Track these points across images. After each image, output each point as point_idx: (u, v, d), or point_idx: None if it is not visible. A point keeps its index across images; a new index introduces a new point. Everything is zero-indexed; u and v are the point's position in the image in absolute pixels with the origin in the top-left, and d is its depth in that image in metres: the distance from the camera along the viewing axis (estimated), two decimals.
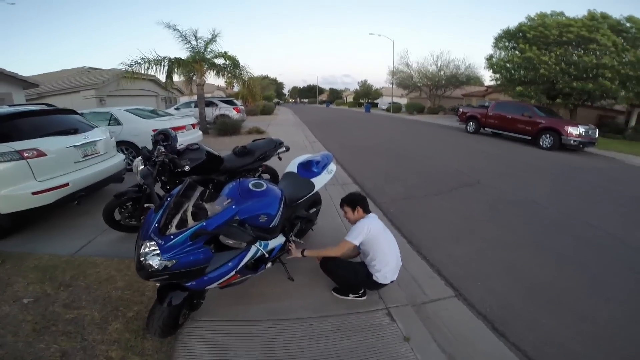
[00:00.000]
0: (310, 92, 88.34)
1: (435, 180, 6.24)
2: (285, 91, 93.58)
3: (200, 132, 8.38)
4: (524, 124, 12.48)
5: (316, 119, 20.68)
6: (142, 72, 10.77)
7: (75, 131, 4.03)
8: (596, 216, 4.73)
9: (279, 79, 79.14)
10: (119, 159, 4.69)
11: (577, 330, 2.41)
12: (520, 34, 17.23)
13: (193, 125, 7.76)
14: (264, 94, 29.80)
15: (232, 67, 12.07)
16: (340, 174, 6.21)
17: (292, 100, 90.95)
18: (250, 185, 2.19)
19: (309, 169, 2.96)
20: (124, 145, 6.18)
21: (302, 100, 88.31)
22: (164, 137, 3.49)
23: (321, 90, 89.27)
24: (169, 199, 1.96)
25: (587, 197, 5.82)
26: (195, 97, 13.21)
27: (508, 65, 17.28)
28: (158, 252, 1.70)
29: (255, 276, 2.33)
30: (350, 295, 2.50)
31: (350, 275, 2.46)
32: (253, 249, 2.07)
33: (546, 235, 4.03)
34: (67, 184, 3.53)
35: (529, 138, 12.20)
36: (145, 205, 3.35)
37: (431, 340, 2.18)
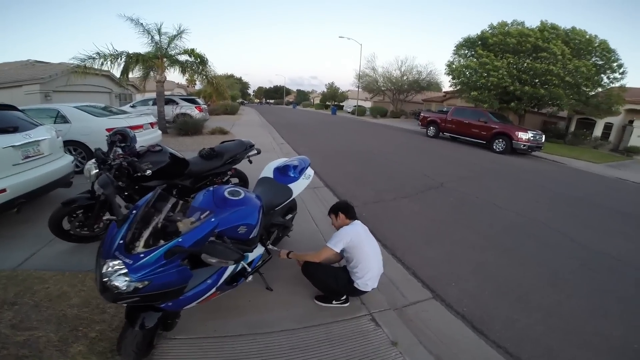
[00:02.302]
0: (276, 93, 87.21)
1: (403, 184, 6.38)
2: (251, 91, 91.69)
3: (160, 132, 7.86)
4: (479, 129, 13.31)
5: (283, 121, 20.43)
6: (97, 67, 9.92)
7: (14, 129, 3.54)
8: (549, 217, 5.11)
9: (245, 79, 77.49)
10: (66, 160, 4.20)
11: (548, 325, 2.56)
12: (480, 42, 18.45)
13: (152, 124, 7.23)
14: (230, 93, 28.93)
15: (198, 65, 11.53)
16: (313, 177, 6.13)
17: (257, 100, 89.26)
18: (226, 194, 2.01)
19: (286, 173, 2.83)
20: (72, 146, 5.59)
21: (268, 101, 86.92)
22: (121, 138, 3.17)
23: (288, 91, 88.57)
24: (134, 211, 1.71)
25: (539, 198, 6.28)
26: (153, 95, 12.42)
27: (466, 71, 18.40)
28: (125, 271, 1.47)
29: (231, 291, 2.18)
30: (334, 302, 2.44)
31: (331, 280, 2.40)
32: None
33: (508, 235, 4.27)
34: (4, 190, 3.07)
35: (484, 142, 13.03)
36: (105, 218, 3.01)
37: (417, 342, 2.19)
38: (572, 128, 20.43)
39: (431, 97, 32.03)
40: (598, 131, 19.35)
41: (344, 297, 2.46)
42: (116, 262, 1.48)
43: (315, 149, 9.78)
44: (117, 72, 10.93)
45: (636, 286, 3.28)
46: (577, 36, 16.38)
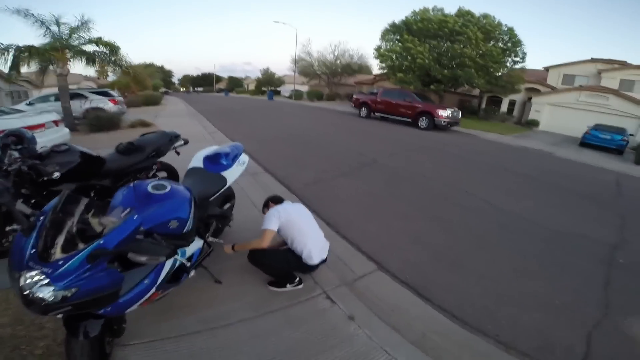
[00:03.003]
0: (205, 81, 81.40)
1: (339, 163, 6.58)
2: (175, 80, 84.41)
3: (67, 130, 6.88)
4: (405, 109, 14.27)
5: (214, 108, 19.31)
6: None
7: None
8: (469, 184, 5.75)
9: (168, 67, 71.01)
10: None
11: (482, 287, 2.86)
12: (405, 27, 19.50)
13: (55, 122, 6.30)
14: (151, 83, 26.35)
15: (108, 55, 10.23)
16: (250, 163, 5.91)
17: (183, 89, 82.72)
18: (149, 188, 1.84)
19: (217, 162, 2.69)
20: None
21: (196, 89, 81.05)
22: (15, 140, 2.72)
23: (219, 79, 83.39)
24: (41, 217, 1.51)
25: (460, 168, 7.03)
26: (55, 90, 10.74)
27: (392, 55, 19.41)
28: (47, 281, 1.33)
29: (178, 287, 2.06)
30: (288, 285, 2.45)
31: (282, 263, 2.41)
32: (170, 260, 1.79)
33: (437, 205, 4.70)
34: None
35: (410, 120, 14.05)
36: (8, 228, 2.58)
37: (372, 314, 2.30)
38: (484, 105, 23.10)
39: (363, 80, 33.14)
40: (504, 107, 22.15)
41: (297, 279, 2.48)
42: (33, 273, 1.35)
43: (252, 136, 9.50)
44: (5, 67, 9.22)
45: (546, 243, 3.80)
46: (488, 23, 18.25)
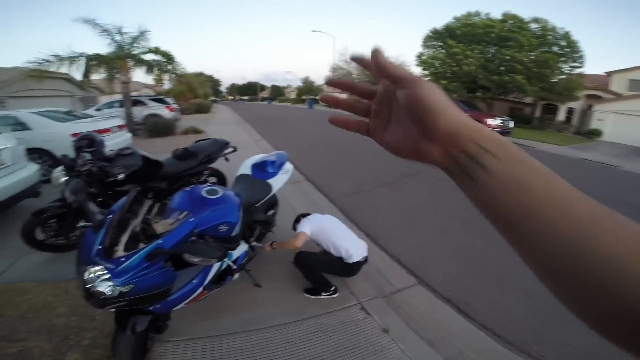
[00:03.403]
0: (250, 89, 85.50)
1: (380, 173, 6.48)
2: (223, 88, 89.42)
3: (129, 134, 7.56)
4: None
5: (258, 117, 20.13)
6: (54, 70, 9.35)
7: None
8: None
9: (216, 76, 75.46)
10: (32, 170, 3.96)
11: (528, 306, 2.66)
12: (447, 33, 18.92)
13: (120, 127, 6.95)
14: (201, 92, 28.11)
15: (165, 63, 11.12)
16: (292, 171, 6.13)
17: (230, 97, 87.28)
18: (203, 193, 1.98)
19: (263, 169, 2.81)
20: (35, 154, 5.27)
21: (242, 97, 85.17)
22: (88, 143, 3.04)
23: (262, 87, 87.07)
24: (110, 216, 1.67)
25: None
26: (119, 97, 11.89)
27: (435, 62, 18.87)
28: (108, 276, 1.46)
29: (222, 288, 2.18)
30: (323, 294, 2.48)
31: (326, 265, 2.48)
32: (218, 262, 1.89)
33: (482, 219, 4.43)
34: None
35: None
36: (80, 225, 2.91)
37: (408, 328, 2.25)
38: (538, 113, 21.49)
39: None
40: (561, 116, 20.45)
41: (333, 288, 2.49)
42: (97, 268, 1.48)
43: (293, 144, 9.73)
44: (78, 75, 10.39)
45: None
46: (540, 27, 17.11)
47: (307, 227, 2.45)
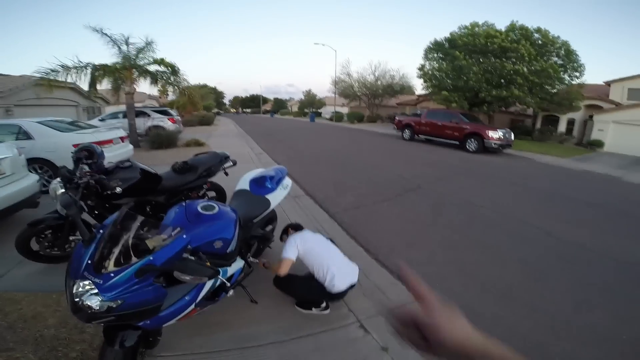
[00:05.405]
0: (253, 102, 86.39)
1: (381, 188, 6.44)
2: (226, 101, 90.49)
3: (131, 146, 7.60)
4: (452, 130, 13.72)
5: (260, 130, 20.27)
6: (60, 79, 9.48)
7: None
8: (523, 212, 5.30)
9: (219, 88, 76.52)
10: (31, 180, 3.96)
11: (534, 320, 2.61)
12: (447, 44, 19.04)
13: (122, 139, 6.97)
14: (203, 104, 28.43)
15: (169, 75, 11.24)
16: (292, 186, 6.08)
17: (233, 110, 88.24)
18: (199, 208, 1.95)
19: (262, 185, 2.78)
20: (37, 164, 5.29)
21: (245, 110, 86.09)
22: (87, 154, 3.02)
23: (265, 100, 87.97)
24: (101, 230, 1.65)
25: (512, 194, 6.52)
26: (123, 107, 12.00)
27: (437, 73, 18.96)
28: (96, 291, 1.44)
29: (215, 305, 2.12)
30: (313, 309, 2.42)
31: (304, 290, 2.41)
32: (212, 279, 1.85)
33: (486, 233, 4.38)
34: None
35: (457, 143, 13.44)
36: (73, 238, 2.89)
37: (408, 347, 2.16)
38: (538, 125, 21.48)
39: (405, 101, 32.80)
40: (562, 127, 20.41)
41: (324, 304, 2.44)
42: (86, 282, 1.46)
43: (294, 157, 9.75)
44: (84, 84, 10.50)
45: (615, 276, 3.40)
46: (542, 37, 17.22)
47: (292, 251, 2.35)
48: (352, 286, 2.39)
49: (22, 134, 5.49)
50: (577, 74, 17.71)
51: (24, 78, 12.21)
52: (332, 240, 2.76)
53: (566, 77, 17.80)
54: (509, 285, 3.13)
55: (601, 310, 2.80)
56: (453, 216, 4.97)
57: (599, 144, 17.56)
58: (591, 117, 18.76)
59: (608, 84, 20.88)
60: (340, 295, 2.37)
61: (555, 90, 17.68)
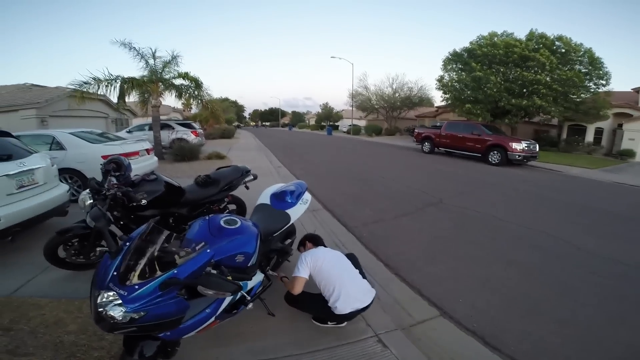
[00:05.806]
0: (272, 115, 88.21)
1: (401, 202, 6.34)
2: (247, 114, 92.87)
3: (156, 158, 7.83)
4: (473, 142, 13.41)
5: (279, 143, 20.58)
6: (92, 91, 9.98)
7: (8, 157, 3.53)
8: (551, 226, 5.07)
9: (240, 102, 78.69)
10: (61, 189, 4.15)
11: (563, 336, 2.49)
12: (466, 54, 18.84)
13: (148, 151, 7.19)
14: (225, 117, 29.27)
15: (193, 89, 11.63)
16: (311, 199, 6.10)
17: (253, 123, 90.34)
18: (222, 223, 1.98)
19: (283, 199, 2.80)
20: (68, 174, 5.54)
21: (264, 123, 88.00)
22: (115, 167, 3.14)
23: (283, 113, 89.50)
24: (128, 243, 1.70)
25: (538, 208, 6.26)
26: (149, 119, 12.48)
27: (457, 85, 18.74)
28: (120, 302, 1.47)
29: (234, 317, 2.14)
30: (329, 323, 2.40)
31: (315, 308, 2.40)
32: None
33: (511, 247, 4.21)
34: None
35: (479, 155, 13.11)
36: (98, 249, 2.99)
37: None
38: (564, 135, 20.71)
39: (424, 113, 32.56)
40: (590, 137, 19.63)
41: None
42: (110, 294, 1.49)
43: (312, 171, 9.80)
44: (113, 97, 10.98)
45: None
46: (563, 45, 16.79)
47: (304, 270, 2.33)
48: (360, 310, 2.32)
49: (56, 145, 5.74)
50: (603, 82, 17.05)
51: (59, 90, 12.86)
52: (353, 257, 2.71)
53: (592, 85, 17.17)
54: (536, 300, 3.00)
55: (636, 324, 2.66)
56: (476, 231, 4.80)
57: (630, 153, 16.72)
58: (620, 125, 17.94)
59: (637, 90, 19.98)
60: (345, 317, 2.33)
61: (580, 99, 17.06)
